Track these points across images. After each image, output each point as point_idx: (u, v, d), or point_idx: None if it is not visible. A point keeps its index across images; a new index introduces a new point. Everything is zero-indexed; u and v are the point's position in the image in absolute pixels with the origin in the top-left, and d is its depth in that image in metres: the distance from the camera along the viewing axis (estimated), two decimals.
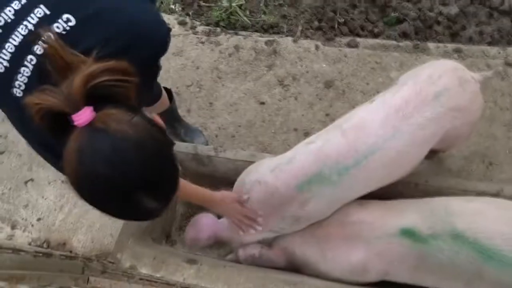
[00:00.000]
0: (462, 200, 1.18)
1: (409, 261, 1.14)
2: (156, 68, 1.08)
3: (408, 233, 1.14)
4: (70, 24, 0.84)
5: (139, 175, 0.68)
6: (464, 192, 1.33)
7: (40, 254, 0.77)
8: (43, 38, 0.77)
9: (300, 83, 2.07)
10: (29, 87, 0.81)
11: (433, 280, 1.15)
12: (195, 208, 1.57)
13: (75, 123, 0.65)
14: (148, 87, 1.18)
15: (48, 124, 0.69)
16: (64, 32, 0.83)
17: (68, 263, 0.85)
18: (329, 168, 1.12)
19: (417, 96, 1.12)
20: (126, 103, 0.72)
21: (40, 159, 2.02)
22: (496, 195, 1.32)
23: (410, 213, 1.17)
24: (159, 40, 0.96)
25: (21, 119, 0.87)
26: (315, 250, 1.24)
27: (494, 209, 1.11)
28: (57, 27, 0.83)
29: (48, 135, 0.73)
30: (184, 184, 1.07)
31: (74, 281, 0.74)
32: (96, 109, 0.67)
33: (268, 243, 1.34)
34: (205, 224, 1.34)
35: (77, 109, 0.65)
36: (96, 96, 0.68)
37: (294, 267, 1.32)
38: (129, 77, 0.72)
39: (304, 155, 1.19)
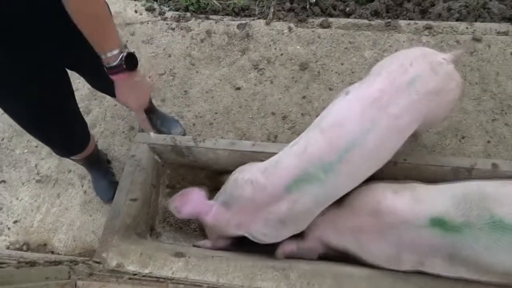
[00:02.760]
0: (497, 184, 1.11)
1: (442, 252, 1.08)
2: None
3: (439, 223, 1.07)
4: None
5: None
6: (441, 168, 1.37)
7: (24, 264, 0.75)
8: None
9: (275, 66, 2.05)
10: None
11: (468, 271, 1.08)
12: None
13: None
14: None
15: None
16: None
17: (53, 269, 0.83)
18: (314, 166, 1.14)
19: (391, 85, 1.14)
20: None
21: (10, 159, 1.94)
22: (470, 169, 1.37)
23: (442, 200, 1.11)
24: None
25: None
26: (351, 240, 1.23)
27: None
28: None
29: None
30: None
31: None
32: None
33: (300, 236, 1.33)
34: (192, 200, 1.33)
35: None
36: None
37: (335, 253, 1.31)
38: None
39: (289, 156, 1.20)
